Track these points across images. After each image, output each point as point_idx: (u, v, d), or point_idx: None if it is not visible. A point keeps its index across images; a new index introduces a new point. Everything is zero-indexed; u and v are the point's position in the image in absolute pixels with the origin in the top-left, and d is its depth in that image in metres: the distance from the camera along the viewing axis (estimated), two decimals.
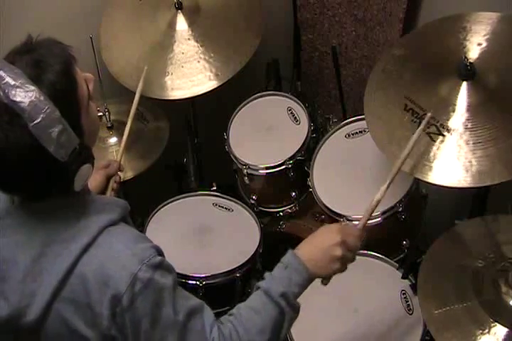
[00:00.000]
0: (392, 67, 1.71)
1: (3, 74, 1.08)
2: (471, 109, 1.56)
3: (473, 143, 1.52)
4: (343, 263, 1.34)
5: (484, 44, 1.63)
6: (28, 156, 1.10)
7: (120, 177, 1.75)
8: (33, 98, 1.07)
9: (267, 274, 1.32)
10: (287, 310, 1.26)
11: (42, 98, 1.08)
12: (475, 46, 1.64)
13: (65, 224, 1.19)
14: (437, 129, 1.56)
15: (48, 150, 1.09)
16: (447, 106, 1.58)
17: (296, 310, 1.28)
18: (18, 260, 1.17)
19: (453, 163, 1.52)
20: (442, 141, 1.55)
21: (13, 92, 1.06)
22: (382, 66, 1.73)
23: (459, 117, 1.56)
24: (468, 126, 1.54)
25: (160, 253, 1.23)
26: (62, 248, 1.16)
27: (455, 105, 1.57)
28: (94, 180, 1.65)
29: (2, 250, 1.18)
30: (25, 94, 1.06)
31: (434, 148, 1.55)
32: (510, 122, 1.52)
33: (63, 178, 1.15)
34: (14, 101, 1.06)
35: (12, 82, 1.07)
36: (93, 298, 1.15)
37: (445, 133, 1.55)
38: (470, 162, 1.50)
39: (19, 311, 1.16)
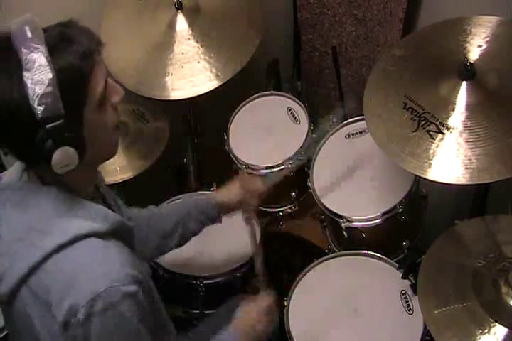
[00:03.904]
0: (392, 67, 1.72)
1: (26, 27, 1.13)
2: (470, 108, 1.56)
3: (473, 141, 1.52)
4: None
5: (484, 46, 1.64)
6: (10, 106, 1.10)
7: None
8: (36, 54, 1.10)
9: None
10: None
11: (46, 60, 1.10)
12: (475, 48, 1.64)
13: (50, 216, 1.19)
14: (437, 127, 1.57)
15: (30, 106, 1.09)
16: (447, 105, 1.58)
17: None
18: (2, 235, 1.20)
19: (452, 160, 1.52)
20: (442, 139, 1.55)
21: (24, 42, 1.10)
22: (382, 66, 1.73)
23: (458, 116, 1.56)
24: (468, 125, 1.55)
25: (139, 283, 1.19)
26: (38, 239, 1.17)
27: (455, 104, 1.58)
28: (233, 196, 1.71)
29: None
30: (32, 49, 1.10)
31: (434, 145, 1.55)
32: (509, 121, 1.53)
33: (41, 149, 1.13)
34: (20, 50, 1.10)
35: (29, 36, 1.11)
36: (53, 297, 1.15)
37: (444, 131, 1.56)
38: (469, 160, 1.51)
39: None
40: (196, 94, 2.01)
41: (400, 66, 1.71)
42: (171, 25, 2.05)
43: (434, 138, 1.56)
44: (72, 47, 1.15)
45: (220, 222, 1.74)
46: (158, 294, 1.39)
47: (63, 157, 1.15)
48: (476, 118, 1.55)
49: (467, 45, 1.65)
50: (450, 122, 1.56)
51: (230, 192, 1.72)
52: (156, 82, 2.02)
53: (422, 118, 1.59)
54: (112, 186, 2.03)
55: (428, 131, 1.57)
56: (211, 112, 2.24)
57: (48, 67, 1.10)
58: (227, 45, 2.03)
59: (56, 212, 1.20)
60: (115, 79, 2.04)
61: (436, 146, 1.55)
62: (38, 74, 1.09)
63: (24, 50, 1.10)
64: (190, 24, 2.05)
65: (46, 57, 1.10)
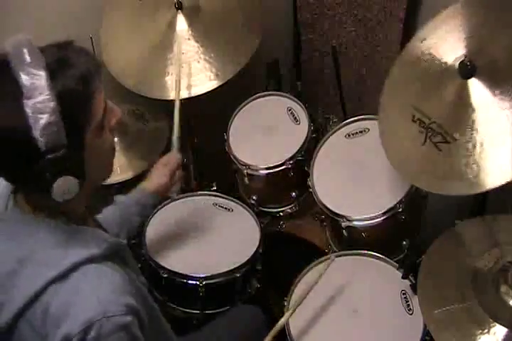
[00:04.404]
0: (400, 77, 1.72)
1: (24, 51, 1.09)
2: (479, 107, 1.53)
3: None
4: None
5: (471, 35, 1.60)
6: (10, 135, 1.08)
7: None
8: (37, 80, 1.07)
9: None
10: None
11: (46, 85, 1.07)
12: (463, 41, 1.61)
13: (44, 247, 1.17)
14: (443, 138, 1.55)
15: (32, 137, 1.07)
16: (455, 111, 1.57)
17: None
18: None
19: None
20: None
21: (23, 68, 1.07)
22: (392, 78, 1.73)
23: (470, 118, 1.54)
24: (480, 126, 1.52)
25: (134, 313, 1.17)
26: (33, 271, 1.15)
27: (463, 107, 1.55)
28: (155, 180, 1.75)
29: None
30: (32, 75, 1.07)
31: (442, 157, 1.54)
32: None
33: (40, 179, 1.11)
34: (20, 75, 1.07)
35: (28, 60, 1.08)
36: (49, 329, 1.14)
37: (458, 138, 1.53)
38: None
39: None
40: (196, 93, 2.01)
41: (407, 76, 1.71)
42: (171, 25, 2.05)
43: (441, 150, 1.54)
44: (72, 72, 1.12)
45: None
46: (158, 307, 1.38)
47: (64, 186, 1.13)
48: (485, 117, 1.52)
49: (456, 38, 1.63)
50: (462, 126, 1.53)
51: (155, 178, 1.76)
52: (156, 81, 2.02)
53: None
54: (112, 186, 2.03)
55: (435, 143, 1.56)
56: (211, 112, 2.24)
57: (49, 95, 1.07)
58: (227, 45, 2.04)
59: (50, 243, 1.17)
60: (116, 79, 2.06)
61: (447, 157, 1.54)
62: (40, 102, 1.06)
63: (24, 77, 1.07)
64: (190, 24, 2.05)
65: (48, 85, 1.07)
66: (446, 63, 1.63)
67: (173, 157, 1.81)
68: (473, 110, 1.54)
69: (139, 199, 1.72)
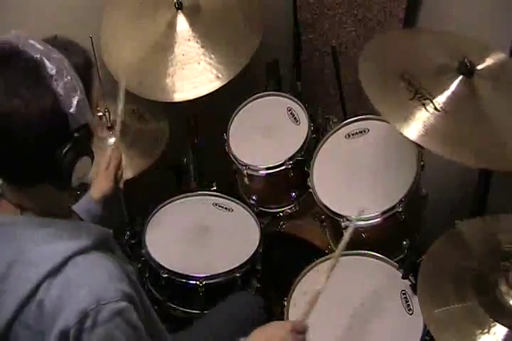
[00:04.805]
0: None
1: (33, 42, 1.11)
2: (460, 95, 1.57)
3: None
4: None
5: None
6: (45, 122, 1.08)
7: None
8: (60, 63, 1.10)
9: None
10: None
11: (69, 66, 1.11)
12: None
13: (32, 245, 1.16)
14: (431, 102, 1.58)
15: (65, 118, 1.09)
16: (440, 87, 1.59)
17: None
18: None
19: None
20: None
21: (43, 53, 1.09)
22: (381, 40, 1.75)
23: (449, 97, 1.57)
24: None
25: (129, 299, 1.16)
26: (23, 271, 1.15)
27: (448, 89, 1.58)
28: (102, 185, 1.72)
29: None
30: (54, 60, 1.09)
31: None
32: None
33: (63, 160, 1.12)
34: (43, 60, 1.09)
35: (41, 48, 1.10)
36: (46, 326, 1.14)
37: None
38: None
39: None
40: (197, 95, 2.01)
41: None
42: (171, 26, 2.05)
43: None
44: (76, 57, 1.15)
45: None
46: (158, 307, 1.38)
47: (82, 168, 1.15)
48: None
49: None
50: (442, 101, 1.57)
51: (101, 183, 1.74)
52: (157, 83, 2.02)
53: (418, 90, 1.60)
54: None
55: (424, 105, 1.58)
56: (211, 112, 2.24)
57: (74, 75, 1.11)
58: (227, 46, 2.04)
59: (38, 241, 1.17)
60: (116, 79, 2.05)
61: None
62: (69, 82, 1.09)
63: (48, 61, 1.09)
64: (191, 24, 2.05)
65: (70, 66, 1.11)
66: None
67: (113, 157, 1.78)
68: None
69: (89, 210, 1.69)
